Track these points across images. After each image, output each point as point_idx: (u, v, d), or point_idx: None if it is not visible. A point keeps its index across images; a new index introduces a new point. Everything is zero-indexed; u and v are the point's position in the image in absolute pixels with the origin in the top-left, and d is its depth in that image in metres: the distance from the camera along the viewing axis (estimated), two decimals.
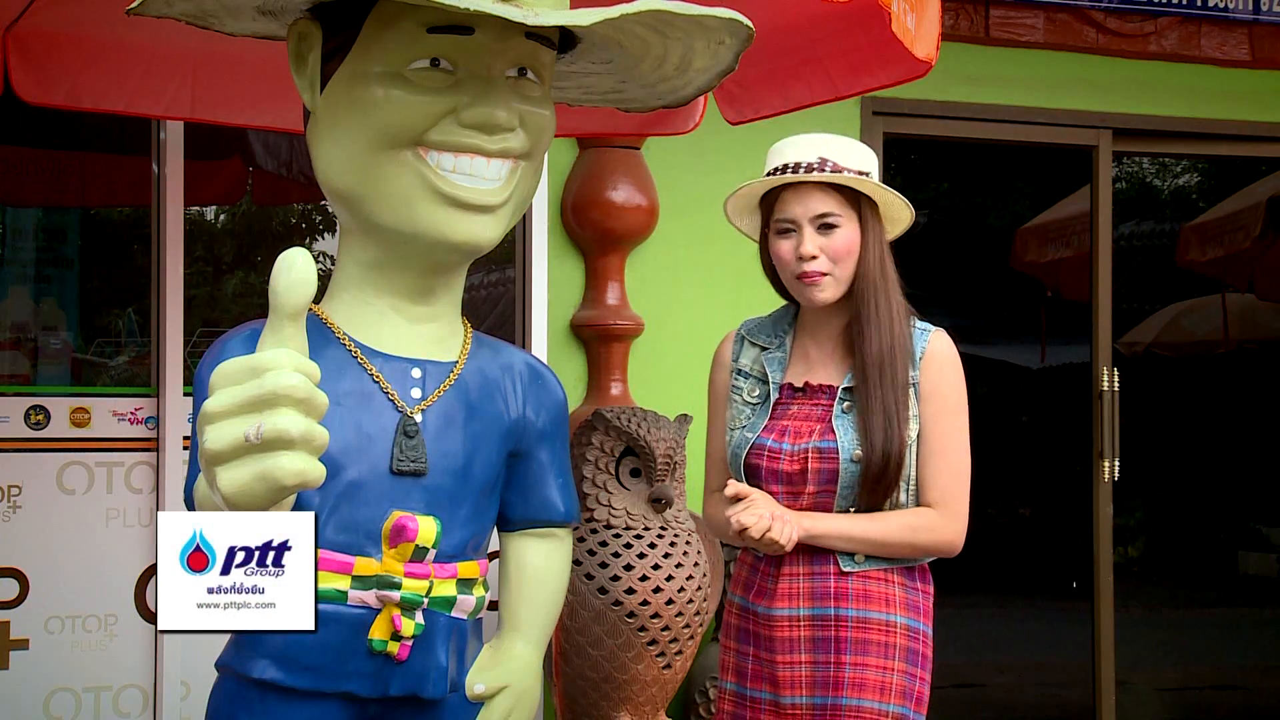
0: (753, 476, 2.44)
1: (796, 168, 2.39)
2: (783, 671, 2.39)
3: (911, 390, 2.39)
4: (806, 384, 2.45)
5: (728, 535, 2.47)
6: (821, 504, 2.39)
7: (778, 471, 2.40)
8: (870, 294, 2.41)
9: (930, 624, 2.44)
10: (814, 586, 2.39)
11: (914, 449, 2.38)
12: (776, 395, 2.46)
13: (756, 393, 2.49)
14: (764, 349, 2.51)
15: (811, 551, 2.38)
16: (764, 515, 2.29)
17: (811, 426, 2.40)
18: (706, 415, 2.61)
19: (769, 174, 2.44)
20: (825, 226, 2.39)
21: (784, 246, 2.42)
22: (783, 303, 2.59)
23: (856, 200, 2.41)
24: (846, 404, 2.40)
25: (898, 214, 2.49)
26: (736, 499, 2.35)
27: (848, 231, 2.40)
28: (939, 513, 2.38)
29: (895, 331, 2.40)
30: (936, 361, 2.41)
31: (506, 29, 1.92)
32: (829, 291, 2.40)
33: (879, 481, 2.35)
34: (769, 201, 2.47)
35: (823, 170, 2.38)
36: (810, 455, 2.37)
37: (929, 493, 2.39)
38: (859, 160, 2.42)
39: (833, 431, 2.38)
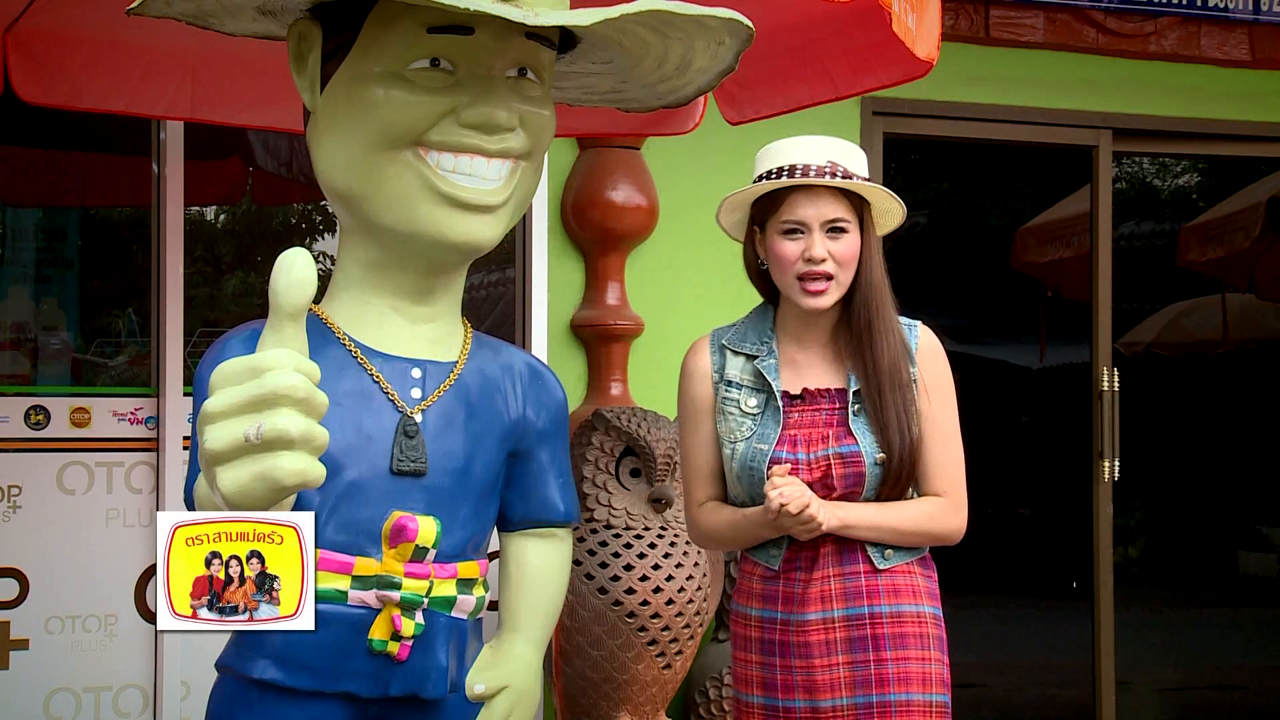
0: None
1: (806, 170, 2.38)
2: (821, 675, 2.38)
3: (913, 387, 2.42)
4: (805, 390, 2.44)
5: (719, 544, 2.47)
6: None
7: None
8: (876, 301, 2.43)
9: (941, 607, 2.49)
10: (846, 587, 2.39)
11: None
12: (782, 404, 2.45)
13: (753, 402, 2.46)
14: (752, 357, 2.48)
15: (840, 553, 2.39)
16: (806, 493, 2.28)
17: (824, 432, 2.40)
18: (681, 427, 2.58)
19: (768, 174, 2.42)
20: (834, 230, 2.39)
21: (790, 248, 2.39)
22: (754, 305, 2.57)
23: (859, 206, 2.42)
24: (857, 407, 2.40)
25: (888, 207, 2.49)
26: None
27: (854, 237, 2.41)
28: (948, 501, 2.43)
29: (900, 336, 2.43)
30: (930, 354, 2.47)
31: (506, 29, 1.92)
32: (831, 297, 2.40)
33: (899, 481, 2.39)
34: (764, 202, 2.44)
35: (834, 175, 2.38)
36: (832, 461, 2.38)
37: (936, 481, 2.41)
38: (860, 165, 2.44)
39: (851, 435, 2.38)
